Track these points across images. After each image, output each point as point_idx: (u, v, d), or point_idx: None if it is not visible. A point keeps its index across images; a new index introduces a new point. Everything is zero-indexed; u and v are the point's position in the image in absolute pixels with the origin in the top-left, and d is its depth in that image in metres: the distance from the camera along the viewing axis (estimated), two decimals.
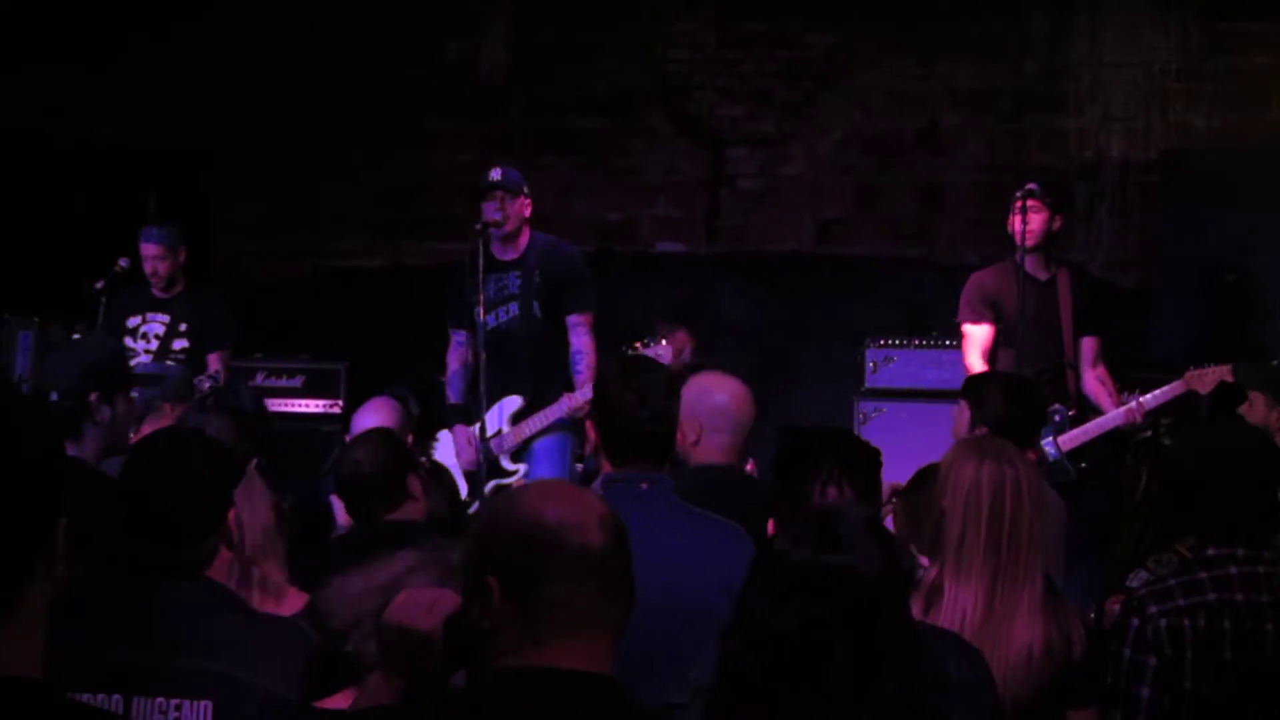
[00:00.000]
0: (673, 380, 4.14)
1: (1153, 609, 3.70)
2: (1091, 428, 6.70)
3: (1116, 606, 4.34)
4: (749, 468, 5.96)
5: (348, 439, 5.82)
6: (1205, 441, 4.08)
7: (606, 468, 3.95)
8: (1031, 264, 6.91)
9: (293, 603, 3.87)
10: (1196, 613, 3.67)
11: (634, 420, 3.87)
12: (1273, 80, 9.38)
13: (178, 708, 2.94)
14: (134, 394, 4.76)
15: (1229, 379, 6.46)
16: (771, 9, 10.21)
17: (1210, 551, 3.78)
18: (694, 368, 8.88)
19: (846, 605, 2.47)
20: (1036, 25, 9.87)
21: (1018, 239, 6.81)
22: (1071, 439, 6.66)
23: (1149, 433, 5.18)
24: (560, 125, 10.40)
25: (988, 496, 3.56)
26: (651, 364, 4.51)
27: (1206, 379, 6.52)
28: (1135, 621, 3.72)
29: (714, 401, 4.76)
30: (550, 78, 10.41)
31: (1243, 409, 5.82)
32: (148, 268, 7.84)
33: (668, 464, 4.01)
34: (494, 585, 2.30)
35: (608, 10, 10.33)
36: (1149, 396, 6.73)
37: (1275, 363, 6.09)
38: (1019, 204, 6.84)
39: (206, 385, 7.07)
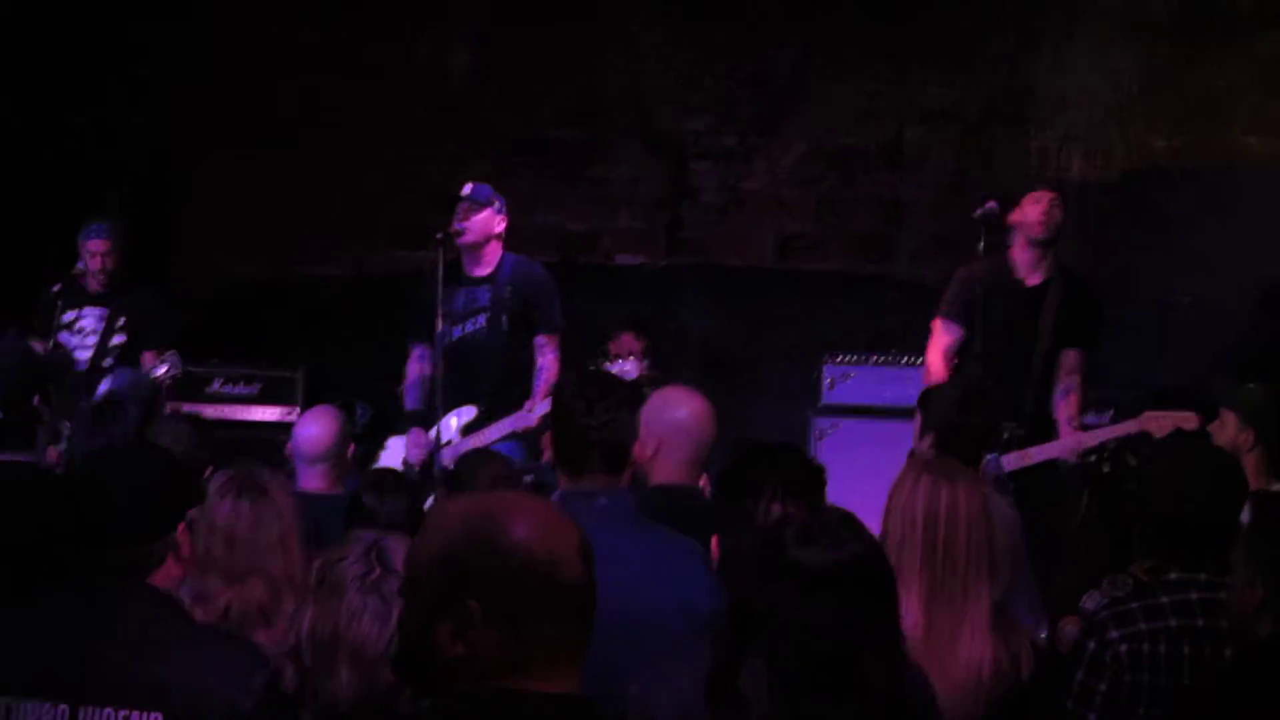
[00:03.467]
0: (632, 393, 4.09)
1: (1113, 633, 3.68)
2: (1034, 453, 6.46)
3: (1070, 627, 4.36)
4: (702, 483, 5.93)
5: (289, 448, 5.82)
6: (1174, 466, 4.02)
7: (564, 481, 3.90)
8: (1027, 264, 6.79)
9: None
10: (1158, 638, 3.65)
11: (582, 428, 3.83)
12: (1233, 102, 9.36)
13: (126, 718, 2.90)
14: None
15: (1189, 427, 6.36)
16: (735, 23, 10.16)
17: (1173, 576, 3.74)
18: (653, 379, 8.89)
19: (867, 596, 2.60)
20: (1001, 42, 9.84)
21: (1038, 230, 6.71)
22: (1012, 461, 6.42)
23: (1092, 458, 5.16)
24: (524, 136, 10.33)
25: (922, 513, 3.61)
26: (607, 377, 4.48)
27: (1163, 423, 6.29)
28: (1092, 645, 3.70)
29: (674, 417, 4.59)
30: (515, 89, 10.36)
31: (1212, 427, 5.83)
32: (95, 264, 7.72)
33: (625, 476, 3.94)
34: (477, 609, 2.24)
35: (572, 22, 10.27)
36: (1093, 434, 6.53)
37: (1251, 385, 6.03)
38: (1045, 197, 6.77)
39: (163, 370, 7.03)
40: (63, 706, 2.88)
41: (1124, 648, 3.66)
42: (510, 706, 2.23)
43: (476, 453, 5.47)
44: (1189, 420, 6.31)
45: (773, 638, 2.57)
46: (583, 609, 2.31)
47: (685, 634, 3.61)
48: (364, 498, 4.68)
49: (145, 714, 2.90)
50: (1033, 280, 6.82)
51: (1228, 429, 5.65)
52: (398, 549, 2.97)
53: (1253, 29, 9.38)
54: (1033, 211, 6.76)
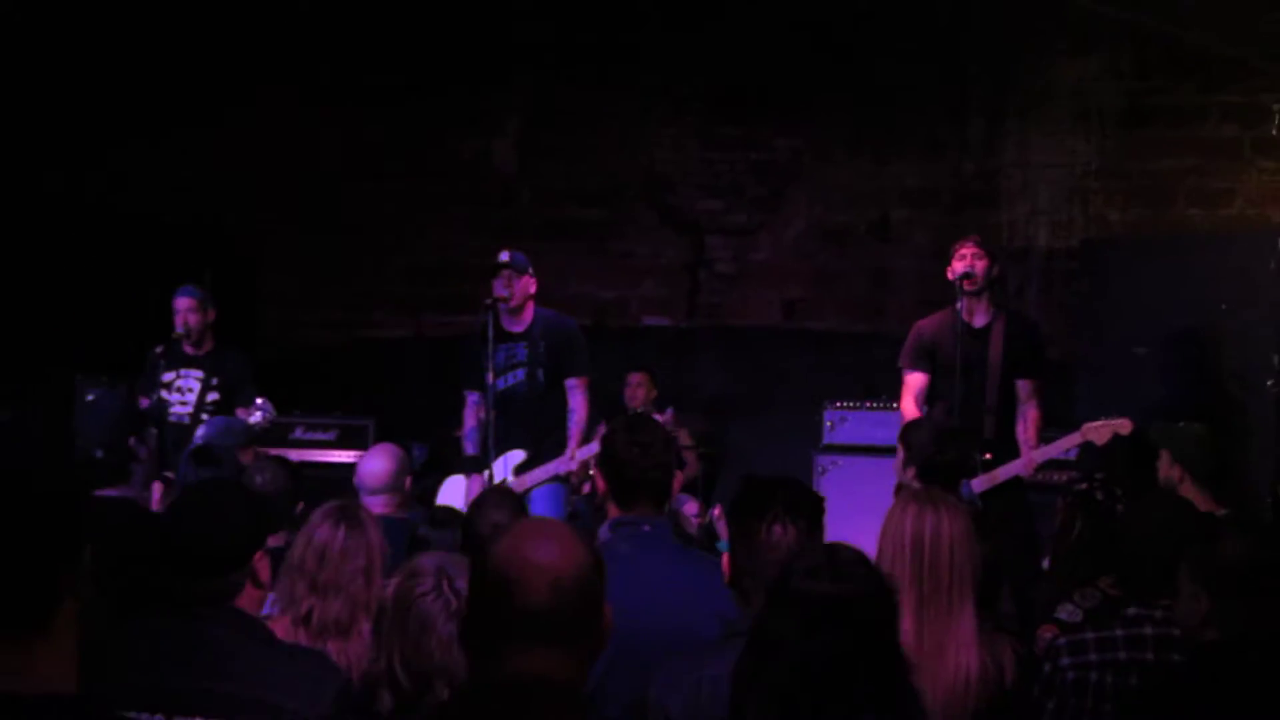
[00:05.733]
0: (670, 435, 4.10)
1: (1065, 660, 3.61)
2: (1000, 473, 6.38)
3: (1048, 634, 4.24)
4: (715, 512, 5.87)
5: (357, 480, 5.72)
6: (1159, 517, 3.87)
7: (614, 511, 3.92)
8: (969, 309, 6.62)
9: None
10: (1105, 669, 3.57)
11: (638, 471, 3.86)
12: (1178, 181, 9.38)
13: None
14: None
15: (1124, 431, 6.29)
16: (744, 116, 10.23)
17: (1131, 611, 3.65)
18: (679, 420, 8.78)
19: (865, 630, 2.45)
20: (974, 131, 9.87)
21: (964, 280, 6.54)
22: (981, 484, 6.34)
23: (1084, 484, 5.04)
24: (561, 215, 10.39)
25: (910, 537, 3.54)
26: (652, 422, 4.46)
27: (1101, 431, 6.30)
28: (1047, 667, 3.64)
29: None
30: (553, 174, 10.43)
31: (1158, 463, 5.68)
32: (179, 320, 7.72)
33: (666, 506, 4.02)
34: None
35: (604, 116, 10.36)
36: (1041, 450, 6.45)
37: (1181, 424, 5.91)
38: (959, 249, 6.64)
39: (259, 417, 7.00)
40: (159, 717, 2.87)
41: (1071, 675, 3.59)
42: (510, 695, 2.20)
43: (493, 491, 5.37)
44: (1123, 426, 6.24)
45: (776, 663, 2.44)
46: (547, 634, 2.22)
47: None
48: (419, 530, 4.62)
49: None
50: (978, 323, 6.68)
51: (1163, 465, 5.51)
52: (460, 572, 2.91)
53: (1194, 117, 9.39)
54: (958, 265, 6.64)
